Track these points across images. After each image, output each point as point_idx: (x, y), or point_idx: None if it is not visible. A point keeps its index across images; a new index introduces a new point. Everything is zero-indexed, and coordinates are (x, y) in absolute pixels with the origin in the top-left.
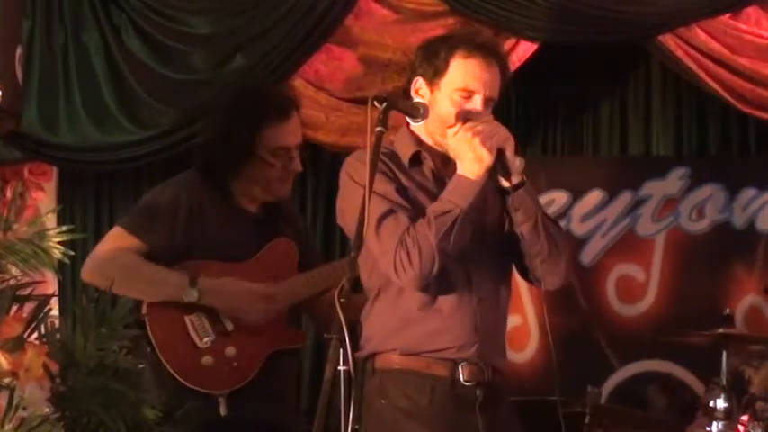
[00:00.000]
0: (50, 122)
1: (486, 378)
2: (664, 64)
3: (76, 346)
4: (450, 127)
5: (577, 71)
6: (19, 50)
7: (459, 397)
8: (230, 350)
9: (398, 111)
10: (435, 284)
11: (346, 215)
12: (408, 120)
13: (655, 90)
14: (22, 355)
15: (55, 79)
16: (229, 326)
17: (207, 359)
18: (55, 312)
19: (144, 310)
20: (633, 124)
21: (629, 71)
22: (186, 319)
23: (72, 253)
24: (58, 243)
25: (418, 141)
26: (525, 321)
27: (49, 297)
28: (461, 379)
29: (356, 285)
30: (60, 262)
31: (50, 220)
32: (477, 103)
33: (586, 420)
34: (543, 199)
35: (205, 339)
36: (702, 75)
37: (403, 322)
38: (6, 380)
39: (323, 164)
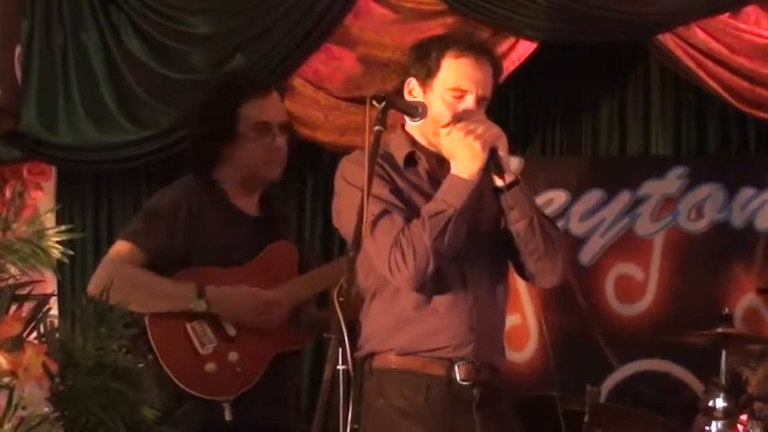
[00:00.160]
0: (49, 122)
1: (482, 377)
2: (663, 63)
3: (76, 346)
4: (443, 127)
5: (576, 71)
6: (18, 50)
7: (456, 396)
8: (233, 355)
9: (397, 110)
10: (431, 284)
11: (342, 216)
12: (407, 119)
13: (654, 89)
14: (22, 354)
15: (54, 79)
16: (231, 331)
17: (210, 366)
18: (54, 312)
19: (146, 319)
20: (632, 124)
21: (628, 71)
22: (188, 326)
23: (71, 252)
24: (57, 242)
25: (413, 142)
26: (524, 321)
27: (48, 296)
28: (458, 378)
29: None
30: (59, 261)
31: (49, 220)
32: (469, 103)
33: (585, 419)
34: (542, 198)
35: (207, 346)
36: (701, 74)
37: (399, 322)
38: (5, 379)
39: (322, 163)
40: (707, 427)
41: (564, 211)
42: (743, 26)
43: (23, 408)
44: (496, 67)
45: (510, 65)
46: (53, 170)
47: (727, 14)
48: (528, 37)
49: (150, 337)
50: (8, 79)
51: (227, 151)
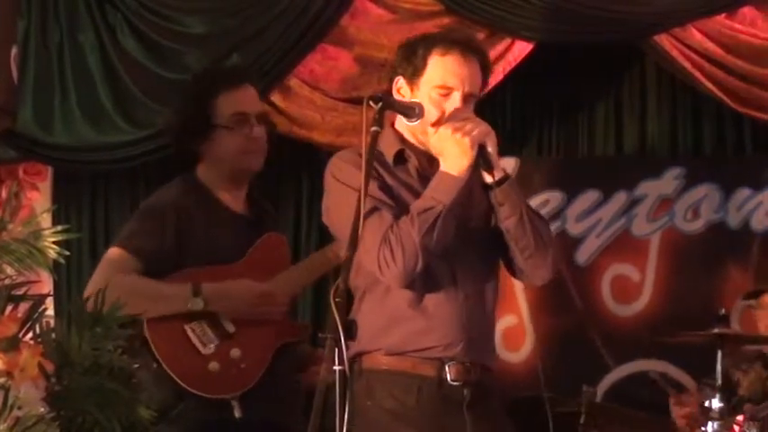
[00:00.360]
0: (45, 122)
1: (473, 377)
2: (659, 64)
3: (72, 346)
4: (431, 125)
5: (572, 71)
6: (14, 50)
7: (447, 397)
8: (235, 352)
9: (394, 110)
10: (420, 282)
11: (331, 214)
12: (403, 119)
13: (650, 90)
14: (18, 354)
15: (50, 78)
16: (231, 328)
17: (213, 365)
18: (50, 312)
19: (145, 327)
20: (628, 124)
21: (624, 71)
22: (187, 328)
23: (67, 253)
24: (53, 243)
25: (402, 140)
26: (520, 321)
27: (44, 297)
28: (448, 379)
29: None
30: (55, 262)
31: (45, 220)
32: (456, 100)
33: (582, 420)
34: (538, 199)
35: (209, 345)
36: (697, 74)
37: (390, 321)
38: (1, 379)
39: (319, 164)
40: (703, 428)
41: (560, 212)
42: (739, 27)
43: (19, 408)
44: (484, 64)
45: (506, 65)
46: (49, 170)
47: (723, 15)
48: (524, 37)
49: (151, 344)
50: (4, 79)
51: (206, 148)
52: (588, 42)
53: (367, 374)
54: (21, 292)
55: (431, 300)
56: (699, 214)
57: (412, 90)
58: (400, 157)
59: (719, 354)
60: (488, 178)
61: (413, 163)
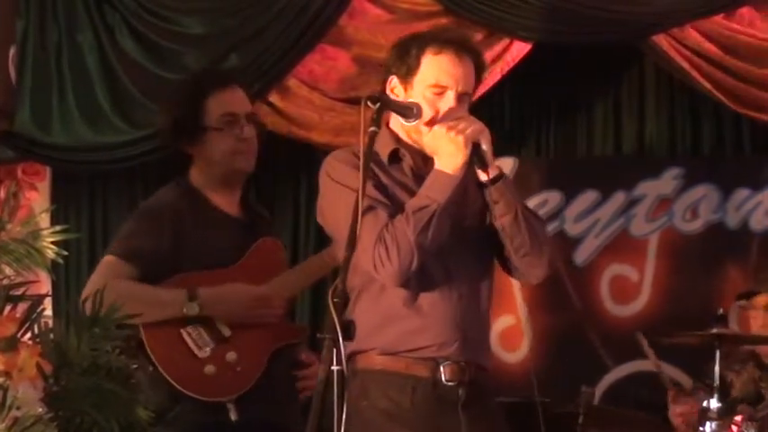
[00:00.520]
0: (44, 122)
1: (468, 377)
2: (657, 64)
3: (70, 347)
4: (425, 124)
5: (571, 71)
6: (12, 50)
7: (442, 397)
8: (231, 355)
9: (392, 110)
10: (415, 281)
11: (326, 213)
12: (401, 120)
13: (648, 90)
14: (16, 355)
15: (48, 79)
16: (227, 331)
17: (209, 368)
18: (48, 312)
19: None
20: (627, 124)
21: (622, 71)
22: (183, 332)
23: (65, 253)
24: (52, 243)
25: (397, 139)
26: (518, 321)
27: (42, 297)
28: (443, 379)
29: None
30: (54, 262)
31: (44, 220)
32: (450, 99)
33: (580, 420)
34: (537, 199)
35: (205, 349)
36: (696, 75)
37: (385, 320)
38: (0, 380)
39: (317, 164)
40: (701, 428)
41: (559, 212)
42: (737, 27)
43: (17, 408)
44: (478, 63)
45: (504, 66)
46: (48, 170)
47: (721, 15)
48: (522, 38)
49: (147, 348)
50: (2, 79)
51: (197, 151)
52: (587, 43)
53: (362, 375)
54: (19, 292)
55: (425, 299)
56: (697, 214)
57: (405, 90)
58: (395, 157)
59: (718, 354)
60: (483, 176)
61: (407, 162)
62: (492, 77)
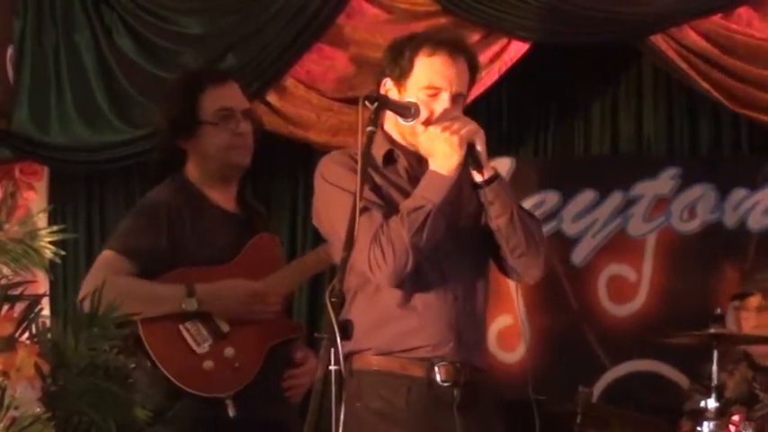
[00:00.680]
0: (41, 122)
1: (463, 378)
2: (655, 64)
3: (67, 346)
4: (421, 125)
5: (569, 71)
6: (10, 50)
7: (437, 398)
8: (229, 351)
9: (390, 110)
10: (410, 282)
11: (321, 215)
12: (399, 120)
13: (646, 90)
14: (14, 354)
15: (46, 78)
16: (225, 327)
17: (208, 364)
18: (46, 312)
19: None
20: (624, 124)
21: (620, 71)
22: (181, 327)
23: (63, 253)
24: (50, 243)
25: (391, 140)
26: (516, 322)
27: (40, 297)
28: (438, 380)
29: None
30: (51, 262)
31: (41, 220)
32: (444, 100)
33: (578, 420)
34: (535, 199)
35: (203, 345)
36: (694, 75)
37: (380, 320)
38: None
39: (314, 164)
40: (698, 428)
41: (556, 212)
42: (735, 27)
43: (15, 408)
44: (472, 64)
45: (502, 65)
46: (45, 170)
47: (719, 15)
48: (520, 38)
49: (146, 344)
50: (0, 79)
51: (193, 146)
52: (585, 43)
53: (358, 375)
54: (17, 292)
55: (420, 299)
56: (695, 214)
57: (399, 91)
58: (389, 158)
59: (715, 354)
60: (478, 177)
61: (402, 163)
62: (490, 77)
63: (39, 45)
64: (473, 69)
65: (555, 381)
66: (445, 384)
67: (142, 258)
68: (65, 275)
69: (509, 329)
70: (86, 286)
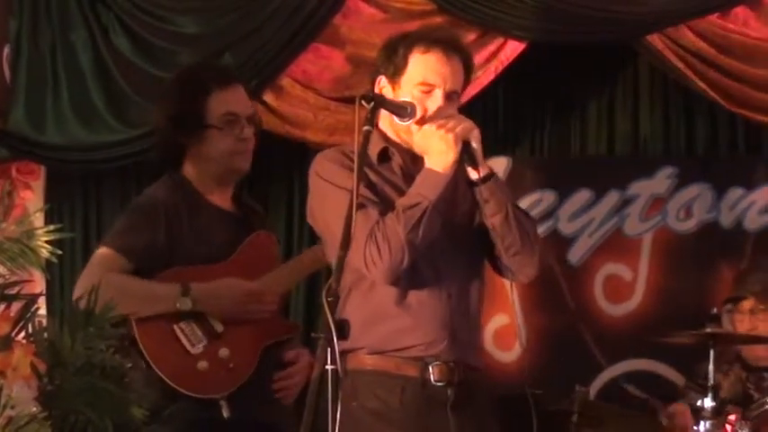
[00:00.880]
0: (38, 121)
1: (457, 378)
2: (652, 63)
3: (64, 346)
4: (415, 123)
5: (565, 71)
6: (6, 49)
7: (431, 397)
8: (224, 351)
9: (386, 110)
10: (405, 280)
11: (316, 213)
12: (395, 119)
13: (642, 90)
14: (10, 354)
15: (42, 78)
16: (219, 327)
17: (202, 364)
18: (42, 311)
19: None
20: (621, 124)
21: (616, 71)
22: (175, 327)
23: (60, 252)
24: (46, 242)
25: (385, 138)
26: (512, 321)
27: (36, 296)
28: (432, 379)
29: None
30: (48, 261)
31: (38, 219)
32: (438, 98)
33: (574, 419)
34: (531, 198)
35: (197, 345)
36: (690, 74)
37: (374, 317)
38: None
39: (311, 163)
40: (695, 427)
41: (552, 211)
42: (732, 27)
43: (12, 407)
44: (467, 63)
45: (498, 65)
46: (42, 170)
47: (715, 15)
48: (516, 37)
49: (140, 343)
50: None
51: (194, 147)
52: (581, 42)
53: (352, 375)
54: (13, 291)
55: (414, 297)
56: (691, 214)
57: (394, 89)
58: (384, 156)
59: (712, 353)
60: (473, 175)
61: (396, 161)
62: (486, 77)
63: (35, 45)
64: (468, 68)
65: (551, 380)
66: (439, 384)
67: (138, 256)
68: (61, 275)
69: (506, 329)
70: (82, 283)
